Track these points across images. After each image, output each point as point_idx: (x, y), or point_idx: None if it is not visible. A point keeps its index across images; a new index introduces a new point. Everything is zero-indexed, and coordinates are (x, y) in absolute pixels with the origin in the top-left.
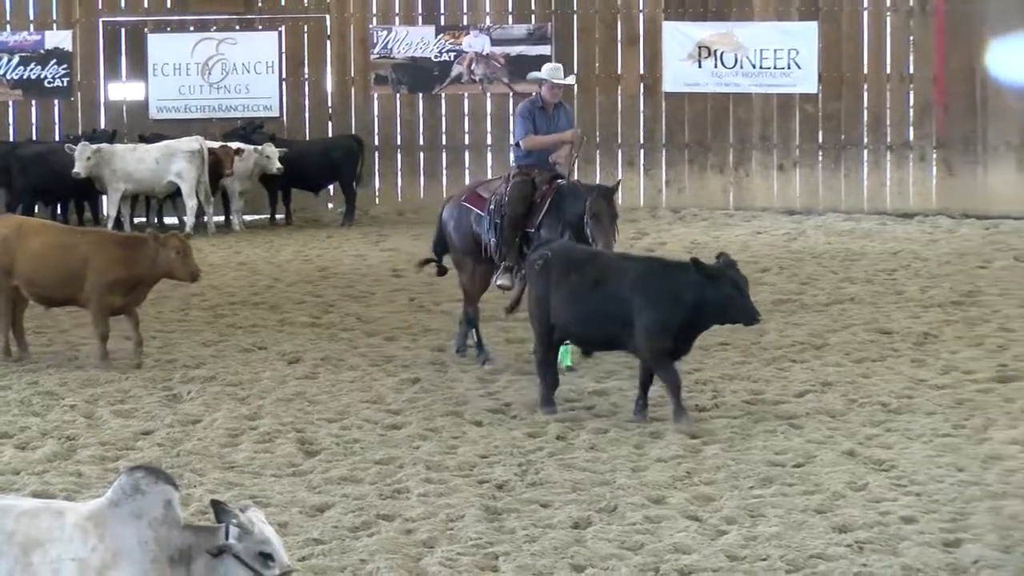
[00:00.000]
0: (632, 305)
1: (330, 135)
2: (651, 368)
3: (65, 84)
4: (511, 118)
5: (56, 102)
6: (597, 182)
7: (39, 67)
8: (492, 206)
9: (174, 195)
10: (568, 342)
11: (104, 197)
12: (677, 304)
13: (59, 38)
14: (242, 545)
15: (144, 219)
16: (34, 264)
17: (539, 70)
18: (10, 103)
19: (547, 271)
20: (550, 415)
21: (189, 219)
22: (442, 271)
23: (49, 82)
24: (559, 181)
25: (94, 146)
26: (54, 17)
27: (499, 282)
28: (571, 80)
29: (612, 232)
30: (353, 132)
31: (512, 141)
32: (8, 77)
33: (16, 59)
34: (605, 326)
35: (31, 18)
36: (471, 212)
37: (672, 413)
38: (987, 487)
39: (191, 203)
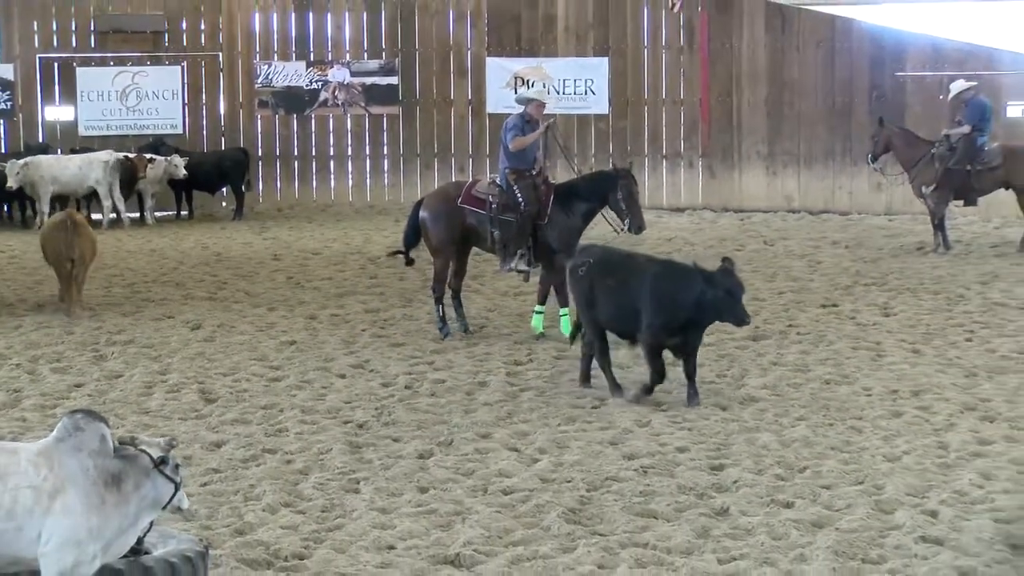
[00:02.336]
0: (644, 302)
1: (223, 148)
2: (644, 356)
3: (8, 107)
4: (367, 134)
5: (2, 122)
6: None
7: None
8: (495, 206)
9: (93, 196)
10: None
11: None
12: (678, 304)
13: (3, 70)
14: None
15: None
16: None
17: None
18: None
19: (590, 276)
20: (622, 397)
21: (106, 216)
22: (409, 262)
23: None
24: (551, 181)
25: (21, 161)
26: None
27: (519, 268)
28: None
29: (640, 207)
30: (241, 146)
31: (507, 146)
32: None
33: None
34: (635, 320)
35: None
36: (465, 211)
37: (637, 390)
38: (744, 423)
39: (107, 203)
